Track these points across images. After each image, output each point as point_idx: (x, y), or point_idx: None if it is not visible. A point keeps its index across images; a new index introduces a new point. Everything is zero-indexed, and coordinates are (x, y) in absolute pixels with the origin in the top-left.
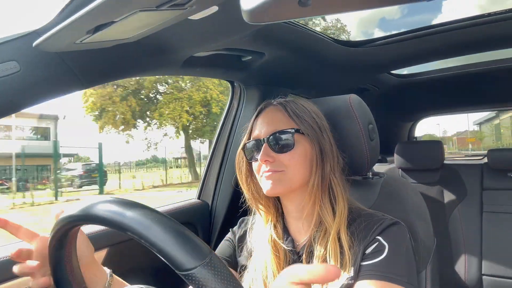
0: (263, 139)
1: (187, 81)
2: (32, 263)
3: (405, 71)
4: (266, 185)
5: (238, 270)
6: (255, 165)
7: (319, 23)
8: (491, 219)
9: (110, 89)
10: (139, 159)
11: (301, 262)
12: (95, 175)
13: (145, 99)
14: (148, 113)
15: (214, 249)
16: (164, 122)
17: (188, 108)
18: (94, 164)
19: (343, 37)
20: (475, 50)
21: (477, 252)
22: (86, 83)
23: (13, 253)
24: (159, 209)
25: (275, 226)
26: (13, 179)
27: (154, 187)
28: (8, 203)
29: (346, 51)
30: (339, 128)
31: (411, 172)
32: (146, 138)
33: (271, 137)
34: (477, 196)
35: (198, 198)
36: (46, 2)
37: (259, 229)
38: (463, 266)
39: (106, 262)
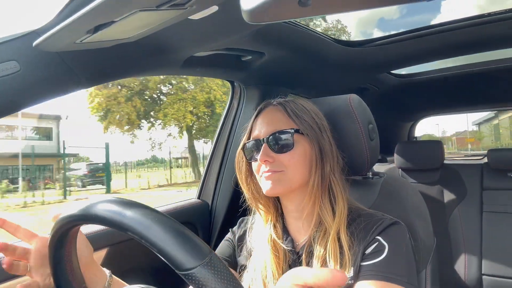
0: (263, 139)
1: (191, 82)
2: (32, 262)
3: (405, 71)
4: (265, 185)
5: (238, 270)
6: (254, 165)
7: (320, 24)
8: (491, 219)
9: (115, 89)
10: (138, 159)
11: (301, 262)
12: (100, 174)
13: (150, 100)
14: (152, 113)
15: (214, 248)
16: (168, 122)
17: (192, 109)
18: (100, 164)
19: (344, 38)
20: (475, 50)
21: (477, 252)
22: (86, 83)
23: (5, 266)
24: (159, 209)
25: (274, 226)
26: (20, 178)
27: (160, 186)
28: (19, 201)
29: (346, 51)
30: (339, 128)
31: (411, 172)
32: (150, 138)
33: (271, 137)
34: (477, 196)
35: (198, 197)
36: (46, 2)
37: (258, 229)
38: (463, 266)
39: (105, 262)
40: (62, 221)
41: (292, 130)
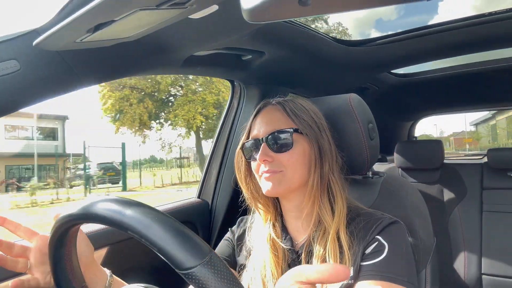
0: (262, 138)
1: (200, 84)
2: (32, 260)
3: (405, 70)
4: (265, 186)
5: (237, 269)
6: (254, 164)
7: (322, 27)
8: (490, 219)
9: (127, 91)
10: (137, 159)
11: (300, 261)
12: (110, 173)
13: (160, 101)
14: (162, 114)
15: (214, 248)
16: (179, 123)
17: (201, 110)
18: (109, 164)
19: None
20: (475, 50)
21: (477, 251)
22: (86, 82)
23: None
24: (159, 208)
25: (274, 225)
26: (35, 178)
27: (173, 184)
28: (48, 198)
29: (346, 50)
30: (339, 128)
31: (411, 171)
32: (160, 139)
33: (270, 136)
34: (477, 196)
35: (198, 197)
36: (47, 1)
37: (258, 228)
38: (463, 265)
39: (106, 261)
40: (62, 220)
41: (291, 130)
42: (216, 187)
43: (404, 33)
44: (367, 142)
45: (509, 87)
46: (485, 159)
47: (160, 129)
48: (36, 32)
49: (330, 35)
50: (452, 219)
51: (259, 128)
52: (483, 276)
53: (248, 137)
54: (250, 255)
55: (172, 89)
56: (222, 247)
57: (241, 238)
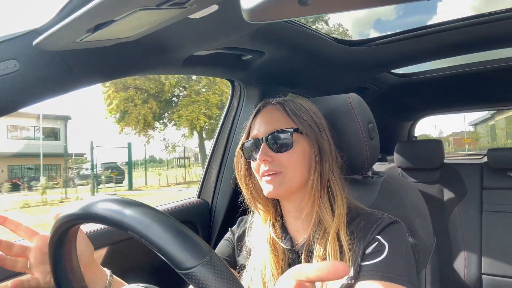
0: (262, 138)
1: (204, 85)
2: (32, 259)
3: (405, 70)
4: (267, 188)
5: (237, 270)
6: (253, 164)
7: (322, 28)
8: (490, 218)
9: (132, 92)
10: (139, 159)
11: (300, 261)
12: (113, 173)
13: (164, 102)
14: (166, 114)
15: (214, 247)
16: (183, 123)
17: (205, 111)
18: (112, 164)
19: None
20: (475, 50)
21: (477, 251)
22: (86, 82)
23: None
24: (159, 208)
25: (273, 225)
26: (41, 178)
27: (178, 184)
28: (57, 197)
29: (346, 50)
30: (339, 127)
31: (411, 171)
32: (164, 139)
33: (270, 136)
34: (477, 195)
35: (198, 197)
36: (46, 1)
37: (257, 228)
38: (463, 265)
39: (106, 261)
40: (62, 220)
41: (291, 130)
42: (216, 187)
43: (404, 33)
44: (367, 142)
45: (508, 87)
46: (485, 159)
47: (163, 129)
48: (36, 32)
49: (331, 36)
50: (452, 219)
51: (259, 128)
52: (483, 276)
53: (248, 137)
54: (250, 255)
55: (176, 90)
56: (222, 247)
57: (241, 238)
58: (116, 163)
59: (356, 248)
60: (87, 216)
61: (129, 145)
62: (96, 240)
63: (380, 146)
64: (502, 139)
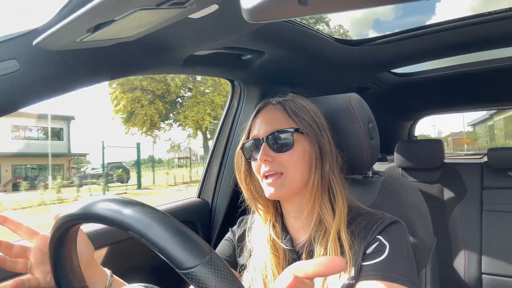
0: (262, 138)
1: (209, 86)
2: (32, 260)
3: (405, 70)
4: (268, 190)
5: (238, 270)
6: (254, 164)
7: (323, 29)
8: (491, 218)
9: (139, 93)
10: (135, 159)
11: None
12: (113, 172)
13: (170, 103)
14: (171, 115)
15: (214, 247)
16: (189, 123)
17: (210, 111)
18: (118, 163)
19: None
20: (475, 50)
21: (477, 250)
22: (86, 82)
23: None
24: (159, 208)
25: (274, 226)
26: (49, 176)
27: (184, 183)
28: (72, 196)
29: (346, 50)
30: (339, 127)
31: (411, 171)
32: (170, 139)
33: (270, 136)
34: (477, 195)
35: (198, 196)
36: (47, 1)
37: (258, 229)
38: (463, 265)
39: (106, 261)
40: (62, 220)
41: (292, 129)
42: (216, 186)
43: (404, 33)
44: (367, 141)
45: (508, 86)
46: (485, 159)
47: (169, 129)
48: (36, 32)
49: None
50: (452, 219)
51: (259, 128)
52: (483, 276)
53: (248, 137)
54: (250, 255)
55: (181, 91)
56: (223, 247)
57: (241, 238)
58: (121, 162)
59: (357, 248)
60: (87, 216)
61: (138, 145)
62: (96, 240)
63: (380, 146)
64: (501, 139)
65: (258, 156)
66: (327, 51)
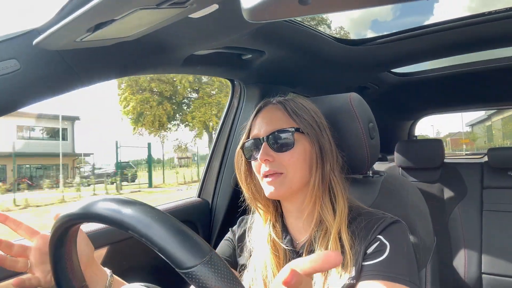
0: (262, 138)
1: (216, 87)
2: (32, 259)
3: (405, 69)
4: (268, 189)
5: (238, 270)
6: (254, 164)
7: (324, 31)
8: (491, 218)
9: (147, 94)
10: (140, 159)
11: None
12: (126, 172)
13: (177, 104)
14: (177, 116)
15: (214, 247)
16: (196, 124)
17: (216, 112)
18: (125, 163)
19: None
20: (476, 49)
21: (477, 250)
22: (86, 81)
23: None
24: (159, 207)
25: (274, 226)
26: (61, 176)
27: (193, 181)
28: (89, 194)
29: (347, 49)
30: (339, 127)
31: (411, 170)
32: (177, 139)
33: (271, 136)
34: (477, 195)
35: (198, 196)
36: (47, 0)
37: (258, 229)
38: (463, 265)
39: (106, 260)
40: (63, 219)
41: (293, 129)
42: (216, 186)
43: (404, 32)
44: (368, 141)
45: (509, 86)
46: (486, 158)
47: (175, 130)
48: (36, 32)
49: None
50: (452, 218)
51: (260, 128)
52: (483, 275)
53: (248, 137)
54: (251, 256)
55: (189, 93)
56: (223, 247)
57: (241, 238)
58: (128, 162)
59: (357, 248)
60: (87, 215)
61: (149, 145)
62: (96, 239)
63: (380, 146)
64: (499, 140)
65: (259, 156)
66: (327, 50)
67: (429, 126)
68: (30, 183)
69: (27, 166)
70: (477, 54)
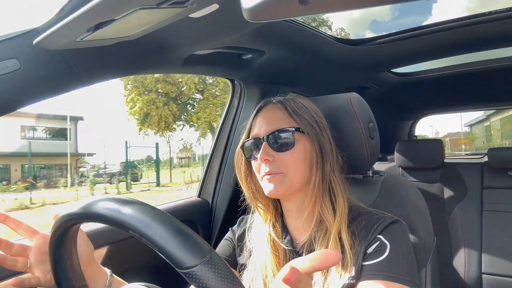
0: (263, 137)
1: (221, 88)
2: (32, 259)
3: (406, 69)
4: (267, 187)
5: (238, 269)
6: (254, 164)
7: (325, 32)
8: (491, 218)
9: (153, 95)
10: (141, 159)
11: None
12: (132, 171)
13: (182, 105)
14: (183, 117)
15: (215, 247)
16: (201, 124)
17: (221, 113)
18: (130, 163)
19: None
20: (476, 49)
21: (477, 250)
22: (86, 81)
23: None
24: (159, 207)
25: (274, 225)
26: (68, 175)
27: (199, 180)
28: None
29: (347, 49)
30: (339, 127)
31: (411, 170)
32: (182, 139)
33: (271, 135)
34: (477, 195)
35: (199, 196)
36: (47, 0)
37: (258, 228)
38: (463, 264)
39: (106, 260)
40: (63, 219)
41: (293, 129)
42: (216, 186)
43: (404, 32)
44: (368, 141)
45: (508, 86)
46: (486, 159)
47: (181, 130)
48: (36, 31)
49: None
50: (452, 218)
51: (260, 127)
52: (483, 275)
53: (248, 136)
54: (250, 255)
55: (195, 94)
56: (223, 247)
57: (241, 238)
58: (133, 161)
59: (357, 247)
60: (87, 215)
61: (157, 145)
62: (96, 239)
63: (380, 146)
64: (497, 140)
65: (259, 155)
66: (328, 50)
67: (428, 127)
68: (34, 182)
69: (32, 165)
70: (476, 54)
